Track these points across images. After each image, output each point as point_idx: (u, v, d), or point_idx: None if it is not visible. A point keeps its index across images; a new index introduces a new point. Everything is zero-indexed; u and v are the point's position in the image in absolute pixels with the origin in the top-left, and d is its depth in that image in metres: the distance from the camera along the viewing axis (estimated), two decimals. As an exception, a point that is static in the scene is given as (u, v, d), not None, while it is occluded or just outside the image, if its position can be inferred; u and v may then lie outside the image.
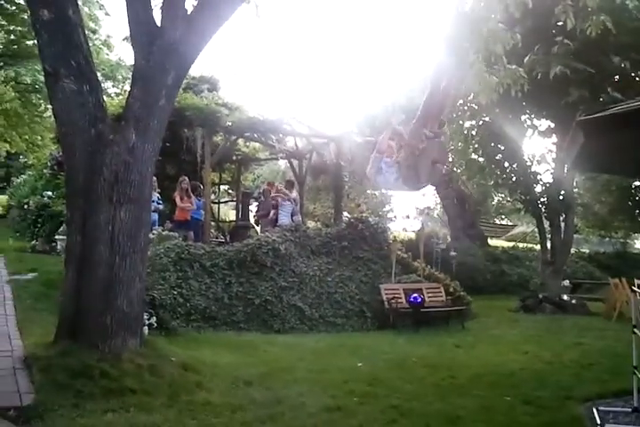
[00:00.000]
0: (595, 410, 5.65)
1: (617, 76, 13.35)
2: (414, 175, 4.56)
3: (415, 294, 11.94)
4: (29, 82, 21.56)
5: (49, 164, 19.28)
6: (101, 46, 23.93)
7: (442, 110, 4.67)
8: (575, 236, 19.91)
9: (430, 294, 12.54)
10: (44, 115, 22.32)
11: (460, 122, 15.08)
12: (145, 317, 8.11)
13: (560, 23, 9.83)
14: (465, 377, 7.13)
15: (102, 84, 20.81)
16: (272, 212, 14.62)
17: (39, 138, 24.01)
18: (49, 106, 13.39)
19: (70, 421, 4.74)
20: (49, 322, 7.16)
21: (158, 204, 12.94)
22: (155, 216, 12.65)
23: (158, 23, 6.77)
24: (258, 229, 16.22)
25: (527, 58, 11.87)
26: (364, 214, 15.82)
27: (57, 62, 6.39)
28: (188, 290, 10.63)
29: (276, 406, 5.54)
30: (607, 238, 31.16)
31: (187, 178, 13.44)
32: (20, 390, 5.29)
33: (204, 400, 5.56)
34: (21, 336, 7.21)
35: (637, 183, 23.81)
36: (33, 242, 15.83)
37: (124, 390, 5.42)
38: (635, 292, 6.01)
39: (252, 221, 17.33)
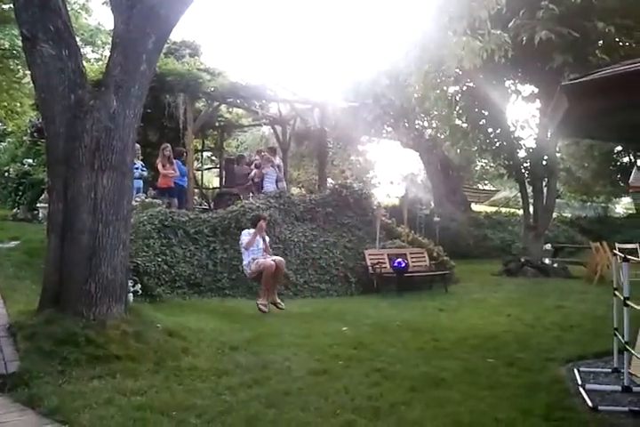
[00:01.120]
0: (576, 371, 5.75)
1: (601, 41, 13.29)
2: None
3: (399, 259, 12.03)
4: (7, 47, 21.06)
5: (29, 131, 19.02)
6: (80, 10, 23.33)
7: None
8: (557, 200, 20.08)
9: (414, 259, 12.64)
10: (23, 81, 21.84)
11: (444, 87, 15.00)
12: (129, 284, 8.12)
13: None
14: (448, 340, 7.22)
15: (81, 50, 20.42)
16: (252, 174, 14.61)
17: (18, 105, 23.52)
18: (27, 72, 13.15)
19: (56, 387, 4.74)
20: (32, 290, 7.17)
21: (142, 171, 12.85)
22: (139, 183, 12.59)
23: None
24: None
25: (512, 23, 11.80)
26: (348, 180, 15.81)
27: (34, 27, 6.23)
28: (172, 257, 10.65)
29: (261, 371, 5.59)
30: (589, 203, 31.49)
31: (169, 145, 13.30)
32: (5, 358, 5.29)
33: (190, 366, 5.59)
34: (5, 305, 7.19)
35: (619, 148, 23.99)
36: (14, 210, 15.73)
37: (110, 356, 5.42)
38: (616, 255, 6.06)
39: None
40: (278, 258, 9.47)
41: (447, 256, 13.47)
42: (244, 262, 9.47)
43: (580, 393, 5.05)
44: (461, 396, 4.96)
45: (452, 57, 9.16)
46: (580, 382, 5.38)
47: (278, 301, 9.31)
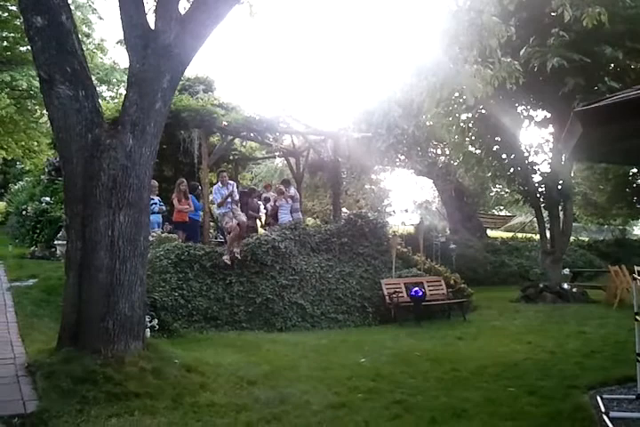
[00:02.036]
0: (599, 398, 5.68)
1: (612, 65, 13.37)
2: None
3: (416, 288, 11.98)
4: (25, 87, 21.50)
5: (46, 169, 19.29)
6: (95, 50, 23.84)
7: None
8: (574, 224, 19.95)
9: (431, 288, 12.58)
10: (40, 120, 22.25)
11: (457, 115, 15.08)
12: (147, 319, 8.14)
13: (554, 14, 9.87)
14: (468, 370, 7.16)
15: (97, 88, 20.77)
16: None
17: (35, 144, 23.93)
18: (45, 112, 13.40)
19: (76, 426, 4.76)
20: (51, 328, 7.20)
21: (161, 206, 12.99)
22: (158, 218, 12.72)
23: (152, 26, 6.78)
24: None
25: (523, 50, 11.91)
26: (362, 210, 15.83)
27: (51, 68, 6.39)
28: (188, 291, 10.67)
29: (280, 405, 5.56)
30: (606, 226, 31.23)
31: (185, 180, 13.45)
32: (24, 397, 5.31)
33: (209, 401, 5.58)
34: (23, 343, 7.23)
35: (635, 170, 23.85)
36: (32, 248, 15.85)
37: (128, 394, 5.44)
38: (635, 279, 6.01)
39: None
40: (242, 219, 11.68)
41: (464, 283, 13.39)
42: (219, 211, 11.85)
43: (604, 421, 4.98)
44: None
45: (465, 86, 9.22)
46: (603, 409, 5.31)
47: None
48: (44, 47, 6.43)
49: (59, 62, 6.39)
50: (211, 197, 17.51)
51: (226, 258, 11.07)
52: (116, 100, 21.45)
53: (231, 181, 12.42)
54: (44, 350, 6.42)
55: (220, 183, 12.11)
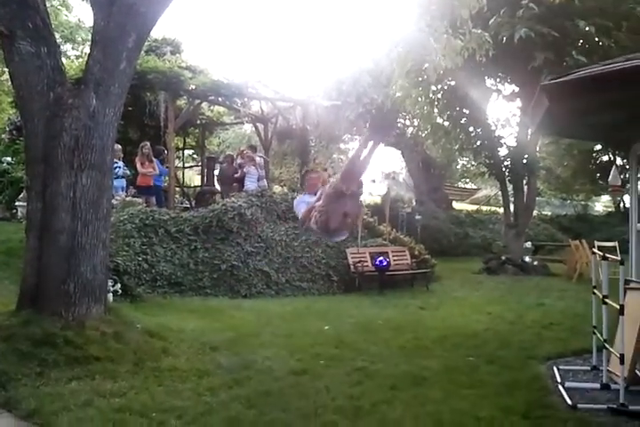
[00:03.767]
0: (555, 369, 5.80)
1: (581, 41, 13.40)
2: (325, 220, 4.82)
3: (381, 258, 12.04)
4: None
5: (7, 128, 18.70)
6: (60, 7, 23.19)
7: (360, 175, 4.95)
8: (537, 198, 20.22)
9: (396, 258, 12.66)
10: (1, 78, 21.65)
11: (426, 86, 15.02)
12: (109, 283, 8.03)
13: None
14: (429, 339, 7.24)
15: (61, 47, 20.17)
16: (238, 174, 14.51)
17: (-4, 102, 23.33)
18: (5, 69, 12.98)
19: (34, 389, 4.70)
20: (10, 291, 7.09)
21: (125, 170, 12.75)
22: (122, 182, 12.50)
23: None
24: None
25: (492, 21, 11.85)
26: (330, 179, 15.77)
27: (12, 23, 6.15)
28: (152, 256, 10.58)
29: (242, 371, 5.57)
30: (568, 201, 31.76)
31: (148, 143, 13.19)
32: (-18, 359, 5.23)
33: (171, 366, 5.56)
34: (-18, 305, 7.10)
35: (599, 147, 24.19)
36: (-7, 209, 15.48)
37: (89, 357, 5.38)
38: (595, 254, 6.11)
39: (216, 185, 17.18)
40: None
41: (429, 254, 13.51)
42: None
43: (560, 391, 5.10)
44: (442, 394, 4.99)
45: (433, 56, 9.17)
46: (559, 379, 5.43)
47: None
48: (5, 1, 6.18)
49: (20, 17, 6.15)
50: (177, 162, 17.33)
51: None
52: (80, 60, 20.87)
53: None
54: (3, 312, 6.29)
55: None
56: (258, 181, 14.13)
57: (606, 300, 5.07)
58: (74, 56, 24.96)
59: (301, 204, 5.80)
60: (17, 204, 14.17)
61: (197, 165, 20.35)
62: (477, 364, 6.05)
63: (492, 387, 5.19)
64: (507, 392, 5.03)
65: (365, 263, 12.06)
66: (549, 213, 28.08)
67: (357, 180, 5.16)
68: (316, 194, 5.61)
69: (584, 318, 6.80)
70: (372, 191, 27.83)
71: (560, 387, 5.18)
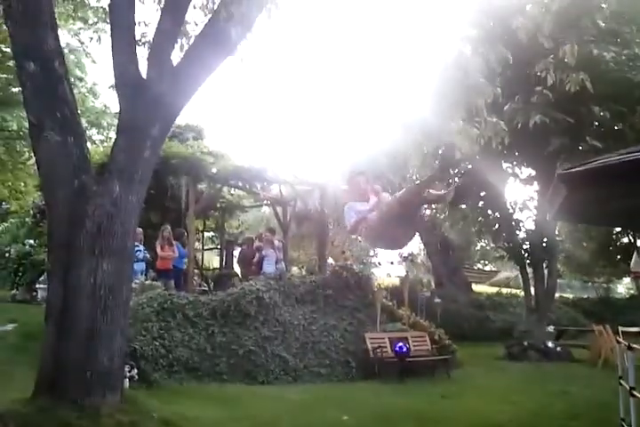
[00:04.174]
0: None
1: (596, 124, 13.65)
2: (373, 238, 4.73)
3: (400, 343, 11.83)
4: (14, 129, 21.56)
5: (32, 211, 19.16)
6: (87, 94, 24.06)
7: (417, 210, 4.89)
8: (558, 281, 19.97)
9: (415, 343, 12.43)
10: (28, 162, 22.27)
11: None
12: (126, 369, 7.96)
13: (539, 74, 10.12)
14: (452, 430, 7.03)
15: (87, 131, 20.79)
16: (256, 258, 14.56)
17: (22, 185, 23.87)
18: (32, 154, 13.39)
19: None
20: (28, 376, 6.99)
21: (145, 253, 12.88)
22: (142, 266, 12.59)
23: (144, 75, 6.86)
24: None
25: (507, 107, 12.14)
26: (348, 262, 15.78)
27: (42, 114, 6.43)
28: (170, 341, 10.47)
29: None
30: (590, 283, 31.30)
31: (168, 226, 13.37)
32: (-4, 449, 5.13)
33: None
34: (-2, 392, 7.02)
35: (618, 229, 24.08)
36: (13, 291, 15.62)
37: (104, 448, 5.28)
38: (620, 343, 5.98)
39: (235, 268, 17.22)
40: None
41: (449, 339, 13.25)
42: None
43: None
44: None
45: (449, 142, 9.38)
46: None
47: None
48: (35, 93, 6.48)
49: (49, 108, 6.43)
50: (196, 245, 17.46)
51: None
52: (105, 144, 21.52)
53: None
54: (19, 399, 6.22)
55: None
56: (276, 263, 14.15)
57: (633, 392, 4.93)
58: (99, 141, 25.71)
59: (351, 212, 5.53)
60: (38, 286, 14.31)
61: (217, 248, 20.46)
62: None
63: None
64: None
65: (385, 349, 11.85)
66: (571, 297, 27.63)
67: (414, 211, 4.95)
68: (366, 201, 5.35)
69: (611, 408, 6.56)
70: (390, 273, 27.75)
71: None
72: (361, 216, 5.26)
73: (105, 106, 26.25)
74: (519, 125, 11.95)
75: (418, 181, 5.41)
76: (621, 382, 5.46)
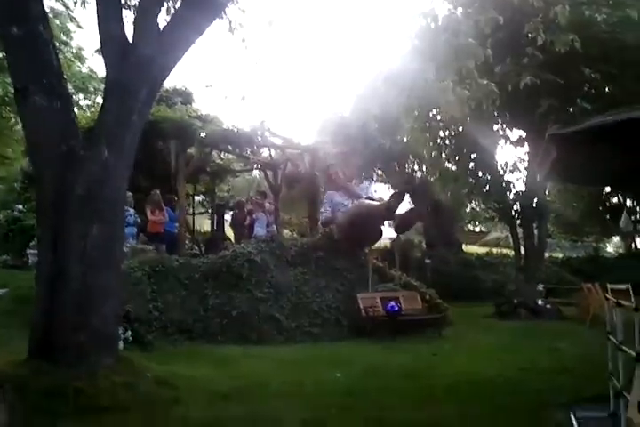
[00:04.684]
0: (572, 416, 5.69)
1: (587, 87, 13.59)
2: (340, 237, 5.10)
3: (392, 303, 11.96)
4: (0, 94, 21.26)
5: (19, 177, 19.04)
6: (73, 59, 23.72)
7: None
8: (547, 241, 20.15)
9: (407, 303, 12.56)
10: (15, 127, 22.05)
11: (430, 132, 15.22)
12: (120, 331, 8.04)
13: (530, 35, 10.05)
14: (443, 386, 7.14)
15: (74, 97, 20.53)
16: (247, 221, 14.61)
17: (10, 151, 23.71)
18: (18, 119, 13.27)
19: (45, 442, 4.67)
20: (21, 340, 7.05)
21: (136, 218, 12.89)
22: (133, 230, 12.62)
23: (130, 38, 6.75)
24: (232, 239, 16.16)
25: (497, 69, 12.07)
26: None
27: (27, 79, 6.34)
28: (163, 303, 10.56)
29: (253, 422, 5.51)
30: (579, 243, 31.60)
31: (158, 191, 13.37)
32: (-8, 411, 5.20)
33: (181, 416, 5.51)
34: (-8, 355, 7.09)
35: (608, 189, 24.22)
36: (4, 256, 15.61)
37: (99, 408, 5.36)
38: (608, 299, 6.06)
39: (227, 231, 17.28)
40: None
41: (440, 299, 13.39)
42: None
43: (577, 440, 5.00)
44: (456, 445, 4.91)
45: (441, 105, 9.36)
46: (575, 426, 5.32)
47: None
48: (20, 58, 6.38)
49: (34, 73, 6.33)
50: (187, 209, 17.45)
51: None
52: (92, 109, 21.29)
53: None
54: (13, 362, 6.28)
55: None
56: (267, 226, 14.19)
57: (622, 347, 5.01)
58: (86, 106, 25.43)
59: (328, 203, 5.79)
60: (28, 251, 14.30)
61: (207, 212, 20.48)
62: (491, 412, 5.95)
63: (506, 436, 5.11)
64: (522, 442, 4.95)
65: (376, 308, 11.98)
66: (560, 256, 27.91)
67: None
68: (338, 190, 5.58)
69: (599, 364, 6.69)
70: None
71: (577, 435, 5.08)
72: (331, 216, 5.61)
73: (91, 71, 25.90)
74: (510, 87, 11.89)
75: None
76: (610, 337, 5.54)
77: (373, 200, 6.21)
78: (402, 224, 5.33)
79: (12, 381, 5.69)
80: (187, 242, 16.16)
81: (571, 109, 12.63)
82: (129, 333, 9.32)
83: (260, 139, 15.23)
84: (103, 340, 6.13)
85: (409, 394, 6.78)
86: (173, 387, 6.40)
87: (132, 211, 12.46)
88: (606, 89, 13.42)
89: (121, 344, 8.09)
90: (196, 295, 11.02)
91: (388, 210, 5.14)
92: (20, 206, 17.14)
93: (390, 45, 10.71)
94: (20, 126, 19.71)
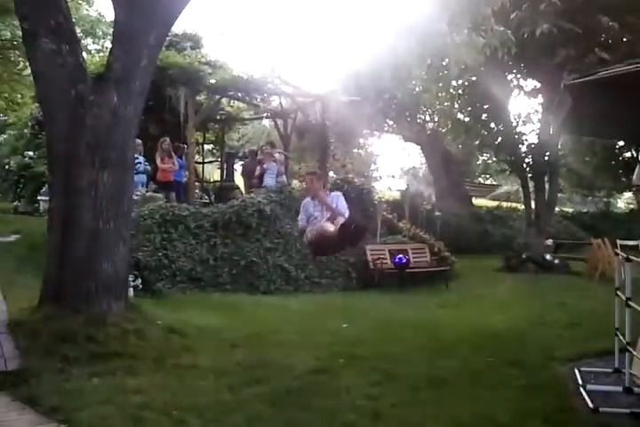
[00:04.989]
0: (577, 371, 5.73)
1: (603, 36, 13.23)
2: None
3: (400, 255, 12.02)
4: (8, 38, 20.95)
5: (30, 123, 18.91)
6: (81, 1, 23.29)
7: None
8: (559, 195, 20.02)
9: (415, 255, 12.62)
10: (24, 72, 21.80)
11: (446, 81, 14.92)
12: (130, 278, 8.11)
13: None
14: (449, 338, 7.21)
15: (82, 41, 20.26)
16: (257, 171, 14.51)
17: (19, 96, 23.51)
18: (27, 64, 13.08)
19: (56, 385, 4.74)
20: (33, 285, 7.13)
21: (145, 165, 12.83)
22: (142, 178, 12.58)
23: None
24: (243, 188, 16.11)
25: (513, 15, 11.72)
26: (349, 175, 15.76)
27: (34, 21, 6.22)
28: (173, 251, 10.62)
29: (261, 369, 5.58)
30: (590, 198, 31.41)
31: (167, 139, 13.27)
32: (5, 355, 5.30)
33: (191, 363, 5.59)
34: (5, 300, 7.20)
35: (621, 144, 23.89)
36: (15, 203, 15.69)
37: (110, 354, 5.43)
38: (617, 254, 6.03)
39: (237, 180, 17.21)
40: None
41: (448, 252, 13.43)
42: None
43: (581, 394, 5.03)
44: (462, 396, 4.96)
45: (454, 53, 9.11)
46: (580, 382, 5.36)
47: None
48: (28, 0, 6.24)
49: (42, 15, 6.21)
50: (197, 157, 17.38)
51: None
52: (101, 54, 20.99)
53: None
54: (25, 307, 6.39)
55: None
56: (277, 176, 14.11)
57: (629, 303, 5.00)
58: (94, 50, 25.10)
59: (302, 209, 5.95)
60: (39, 198, 14.34)
61: (217, 160, 20.38)
62: (498, 365, 5.99)
63: (512, 389, 5.15)
64: (527, 395, 4.99)
65: (385, 260, 12.04)
66: (571, 210, 27.79)
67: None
68: (313, 198, 5.82)
69: (606, 319, 6.70)
70: (391, 187, 27.79)
71: (582, 390, 5.11)
72: (304, 225, 5.91)
73: (100, 14, 25.49)
74: (526, 35, 11.58)
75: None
76: (618, 293, 5.52)
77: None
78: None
79: (25, 326, 5.78)
80: (196, 191, 16.14)
81: (587, 59, 12.30)
82: (139, 280, 9.42)
83: (270, 86, 14.97)
84: (113, 287, 6.18)
85: (416, 346, 6.83)
86: (183, 335, 6.49)
87: (141, 159, 12.39)
88: (624, 39, 13.05)
89: (131, 292, 8.17)
90: (205, 244, 11.06)
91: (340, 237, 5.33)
92: (31, 153, 17.07)
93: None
94: (29, 71, 19.51)
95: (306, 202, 6.11)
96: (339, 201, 6.07)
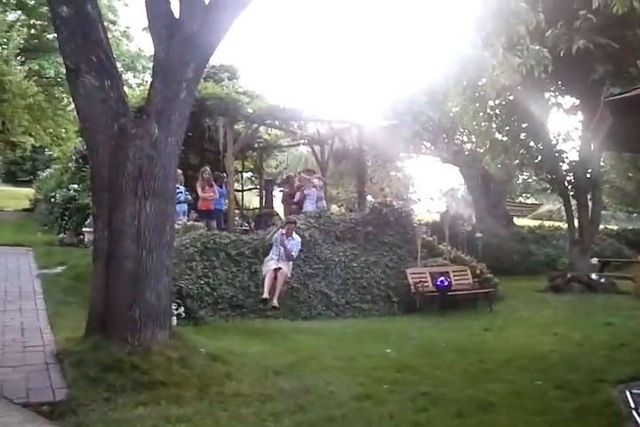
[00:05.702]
0: (628, 393, 5.58)
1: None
2: None
3: (441, 278, 11.90)
4: (52, 75, 21.67)
5: (74, 157, 19.41)
6: (121, 37, 24.05)
7: None
8: (602, 212, 19.66)
9: (457, 277, 12.48)
10: (68, 108, 22.50)
11: (483, 102, 14.88)
12: (173, 307, 8.20)
13: (583, -2, 9.65)
14: (494, 362, 7.10)
15: (123, 75, 20.82)
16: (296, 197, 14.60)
17: (63, 131, 24.21)
18: (71, 100, 13.51)
19: (103, 415, 4.81)
20: (79, 316, 7.26)
21: (186, 195, 13.05)
22: (184, 207, 12.80)
23: (177, 15, 6.76)
24: (282, 215, 16.21)
25: (549, 33, 11.67)
26: (387, 198, 15.74)
27: (77, 58, 6.42)
28: (214, 279, 10.71)
29: (305, 396, 5.57)
30: (635, 214, 30.76)
31: (208, 168, 13.49)
32: (53, 385, 5.39)
33: (234, 391, 5.61)
34: (52, 331, 7.32)
35: (665, 158, 23.42)
36: (61, 235, 16.00)
37: (155, 382, 5.49)
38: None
39: (276, 207, 17.33)
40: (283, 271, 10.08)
41: (490, 273, 13.26)
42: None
43: (634, 417, 4.91)
44: (510, 421, 4.88)
45: (490, 74, 9.10)
46: (632, 404, 5.22)
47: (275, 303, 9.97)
48: (70, 37, 6.45)
49: (84, 52, 6.41)
50: (236, 185, 17.58)
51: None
52: (142, 88, 21.54)
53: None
54: (72, 337, 6.50)
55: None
56: (317, 202, 14.17)
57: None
58: (135, 84, 25.76)
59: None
60: (84, 230, 14.64)
61: (256, 188, 20.58)
62: (545, 388, 5.89)
63: (561, 413, 5.05)
64: (577, 419, 4.88)
65: (426, 284, 11.94)
66: (615, 228, 27.23)
67: None
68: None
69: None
70: (430, 209, 27.62)
71: (634, 413, 4.98)
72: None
73: (139, 49, 26.25)
74: (562, 53, 11.51)
75: None
76: (667, 311, 5.40)
77: None
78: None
79: (71, 356, 5.88)
80: (236, 218, 16.29)
81: (627, 74, 12.14)
82: (182, 308, 9.51)
83: (306, 113, 15.12)
84: (157, 316, 6.25)
85: (460, 369, 6.75)
86: (226, 362, 6.51)
87: (182, 188, 12.61)
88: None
89: (174, 320, 8.25)
90: (246, 271, 11.14)
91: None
92: (76, 186, 17.47)
93: (438, 15, 10.42)
94: (72, 106, 20.11)
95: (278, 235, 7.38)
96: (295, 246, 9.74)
